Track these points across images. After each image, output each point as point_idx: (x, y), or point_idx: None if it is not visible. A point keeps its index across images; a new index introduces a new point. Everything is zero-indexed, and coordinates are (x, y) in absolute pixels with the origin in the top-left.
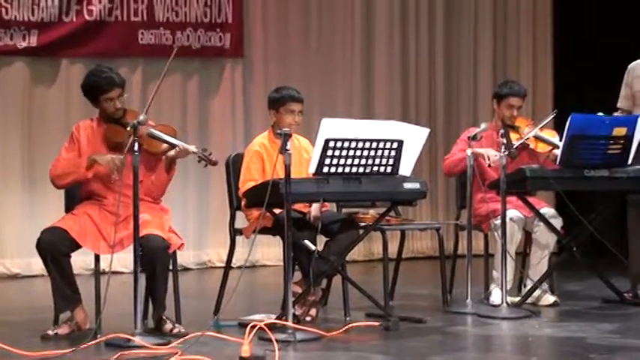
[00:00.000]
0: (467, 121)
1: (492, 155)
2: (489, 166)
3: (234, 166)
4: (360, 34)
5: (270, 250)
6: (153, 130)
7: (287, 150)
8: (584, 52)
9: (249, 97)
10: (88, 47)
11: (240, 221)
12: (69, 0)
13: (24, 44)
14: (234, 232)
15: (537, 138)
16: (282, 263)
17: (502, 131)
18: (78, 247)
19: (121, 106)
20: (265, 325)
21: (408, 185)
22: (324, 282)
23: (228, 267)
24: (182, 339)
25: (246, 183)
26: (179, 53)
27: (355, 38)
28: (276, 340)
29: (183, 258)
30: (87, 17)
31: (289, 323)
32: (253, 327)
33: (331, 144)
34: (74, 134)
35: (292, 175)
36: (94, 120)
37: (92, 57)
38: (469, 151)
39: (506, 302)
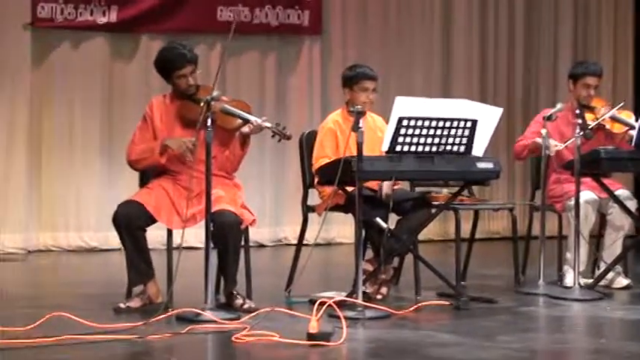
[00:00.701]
0: (546, 101)
1: (552, 145)
2: (549, 156)
3: (307, 143)
4: (438, 16)
5: (345, 228)
6: (226, 106)
7: (359, 128)
8: None
9: (327, 74)
10: (167, 23)
11: (313, 198)
12: None
13: (104, 20)
14: (307, 209)
15: (613, 119)
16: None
17: (578, 111)
18: (153, 221)
19: (193, 82)
20: (335, 302)
21: (481, 165)
22: (396, 261)
23: (300, 244)
24: (252, 314)
25: (318, 160)
26: (258, 30)
27: (434, 20)
28: (345, 318)
29: (259, 235)
30: None
31: (359, 301)
32: (322, 304)
33: (404, 122)
34: (147, 113)
35: (365, 153)
36: (166, 96)
37: (171, 33)
38: (544, 131)
39: (579, 284)
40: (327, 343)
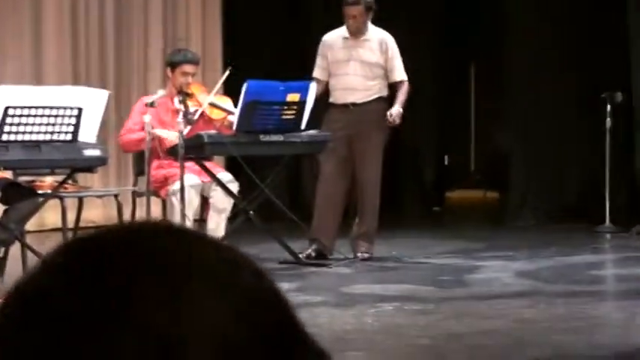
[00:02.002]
0: (138, 88)
1: (173, 137)
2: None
3: None
4: (28, 6)
5: None
6: None
7: None
8: (253, 14)
9: None
10: None
11: None
12: None
13: None
14: None
15: (212, 105)
16: None
17: (180, 98)
18: None
19: None
20: None
21: (88, 152)
22: (2, 251)
23: None
24: None
25: None
26: None
27: (24, 3)
28: None
29: None
30: None
31: None
32: None
33: (10, 111)
34: None
35: None
36: None
37: None
38: (147, 117)
39: None
40: None
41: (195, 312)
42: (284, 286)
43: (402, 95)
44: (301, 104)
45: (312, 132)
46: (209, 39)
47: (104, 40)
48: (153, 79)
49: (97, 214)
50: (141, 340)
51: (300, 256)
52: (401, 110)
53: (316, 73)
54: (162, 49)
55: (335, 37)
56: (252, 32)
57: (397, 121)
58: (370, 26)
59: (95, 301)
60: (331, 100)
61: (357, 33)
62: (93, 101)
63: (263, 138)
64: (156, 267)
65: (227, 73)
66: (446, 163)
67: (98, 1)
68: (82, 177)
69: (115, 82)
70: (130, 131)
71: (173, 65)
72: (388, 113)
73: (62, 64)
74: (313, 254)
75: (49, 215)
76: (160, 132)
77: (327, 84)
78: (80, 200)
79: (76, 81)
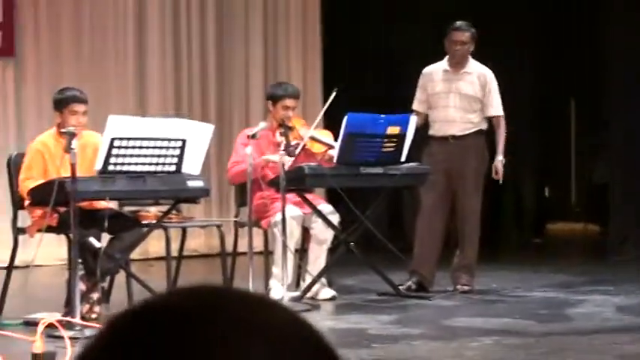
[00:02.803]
0: (239, 120)
1: (288, 161)
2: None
3: (15, 166)
4: (132, 35)
5: (42, 250)
6: None
7: (72, 149)
8: (352, 50)
9: (21, 96)
10: None
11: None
12: None
13: None
14: (18, 232)
15: (313, 138)
16: (57, 262)
17: (282, 130)
18: None
19: None
20: (57, 321)
21: (191, 183)
22: (107, 279)
23: (11, 266)
24: None
25: (25, 181)
26: None
27: (127, 39)
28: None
29: None
30: None
31: (77, 320)
32: (42, 324)
33: (117, 142)
34: None
35: (82, 173)
36: None
37: None
38: (249, 149)
39: (287, 297)
40: None
41: None
42: (383, 318)
43: (502, 140)
44: (401, 137)
45: (411, 164)
46: (309, 73)
47: (206, 74)
48: (254, 112)
49: (199, 243)
50: None
51: (400, 288)
52: (503, 161)
53: (415, 105)
54: (262, 83)
55: (435, 69)
56: (352, 65)
57: (501, 173)
58: (471, 60)
59: None
60: (431, 132)
61: (461, 62)
62: (197, 134)
63: (363, 170)
64: (223, 333)
65: (333, 95)
66: (546, 194)
67: (200, 36)
68: (185, 207)
69: (217, 115)
70: (237, 163)
71: (274, 99)
72: (494, 168)
73: (165, 97)
74: (413, 286)
75: (153, 244)
76: (269, 156)
77: (426, 116)
78: (184, 230)
79: (178, 113)
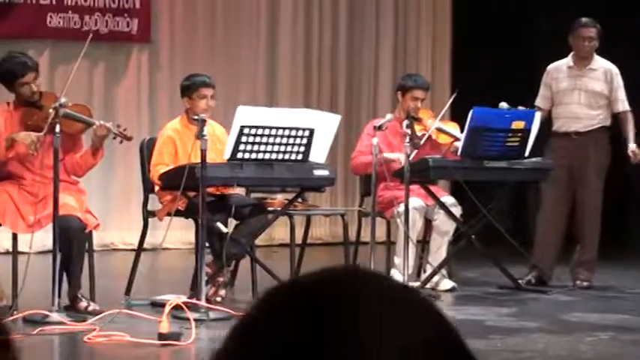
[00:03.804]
0: (367, 111)
1: (400, 158)
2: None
3: (148, 150)
4: (264, 25)
5: (171, 233)
6: (69, 111)
7: (204, 135)
8: (482, 42)
9: (155, 83)
10: None
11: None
12: None
13: None
14: (148, 214)
15: (439, 130)
16: (184, 246)
17: (407, 122)
18: None
19: (36, 89)
20: (183, 303)
21: (317, 172)
22: (232, 264)
23: (140, 248)
24: (98, 316)
25: (157, 167)
26: (87, 37)
27: (260, 28)
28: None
29: None
30: None
31: (202, 302)
32: (169, 305)
33: (246, 130)
34: None
35: (208, 159)
36: (10, 104)
37: (0, 39)
38: (375, 140)
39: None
40: (178, 343)
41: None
42: (501, 310)
43: (631, 129)
44: (526, 132)
45: (535, 159)
46: (438, 66)
47: (336, 65)
48: (382, 103)
49: (323, 231)
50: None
51: (520, 281)
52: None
53: (539, 101)
54: (391, 75)
55: (560, 66)
56: (481, 60)
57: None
58: (595, 56)
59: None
60: (554, 128)
61: (588, 57)
62: (325, 124)
63: (487, 164)
64: (364, 308)
65: (454, 95)
66: None
67: (331, 27)
68: (310, 195)
69: (345, 106)
70: (361, 154)
71: (404, 90)
72: (630, 152)
73: (294, 88)
74: (533, 280)
75: (278, 231)
76: (388, 155)
77: (548, 113)
78: (308, 218)
79: (307, 104)
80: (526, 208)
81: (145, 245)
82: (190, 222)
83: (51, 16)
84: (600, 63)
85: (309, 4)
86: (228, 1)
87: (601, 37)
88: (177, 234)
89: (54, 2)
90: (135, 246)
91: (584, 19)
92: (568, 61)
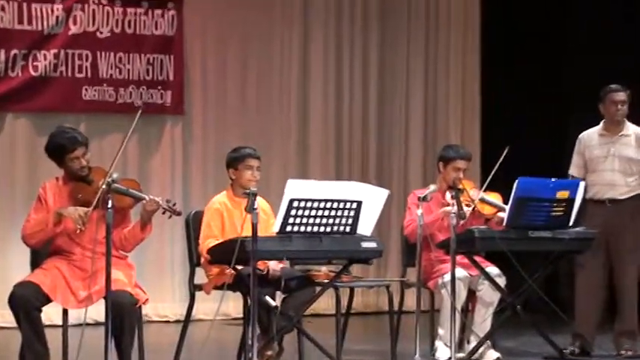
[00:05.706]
0: (398, 182)
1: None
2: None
3: (194, 223)
4: (295, 95)
5: (206, 305)
6: (119, 186)
7: (255, 209)
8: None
9: (189, 155)
10: (32, 102)
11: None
12: (15, 56)
13: None
14: (194, 288)
15: (483, 200)
16: (218, 318)
17: (453, 193)
18: (49, 301)
19: (85, 164)
20: None
21: (365, 244)
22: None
23: (187, 321)
24: None
25: (206, 240)
26: (122, 109)
27: (291, 98)
28: None
29: None
30: (32, 73)
31: None
32: None
33: (295, 204)
34: (41, 194)
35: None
36: (59, 179)
37: (36, 112)
38: (419, 211)
39: (454, 359)
40: None
41: None
42: None
43: None
44: (570, 201)
45: (579, 229)
46: (467, 137)
47: (367, 135)
48: (413, 173)
49: (367, 302)
50: None
51: (564, 351)
52: None
53: (572, 170)
54: (422, 145)
55: (591, 134)
56: (509, 128)
57: None
58: (627, 122)
59: None
60: (589, 196)
61: (620, 122)
62: (372, 197)
63: (532, 234)
64: None
65: (504, 153)
66: None
67: (362, 96)
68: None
69: (376, 176)
70: (413, 221)
71: (445, 160)
72: None
73: (326, 160)
74: (576, 350)
75: (321, 300)
76: (448, 209)
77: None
78: (352, 288)
79: (338, 176)
80: (557, 276)
81: (179, 317)
82: (226, 294)
83: (86, 89)
84: (632, 129)
85: (338, 73)
86: (259, 70)
87: (631, 101)
88: (212, 306)
89: (89, 75)
90: (169, 318)
91: (613, 86)
92: (599, 129)
